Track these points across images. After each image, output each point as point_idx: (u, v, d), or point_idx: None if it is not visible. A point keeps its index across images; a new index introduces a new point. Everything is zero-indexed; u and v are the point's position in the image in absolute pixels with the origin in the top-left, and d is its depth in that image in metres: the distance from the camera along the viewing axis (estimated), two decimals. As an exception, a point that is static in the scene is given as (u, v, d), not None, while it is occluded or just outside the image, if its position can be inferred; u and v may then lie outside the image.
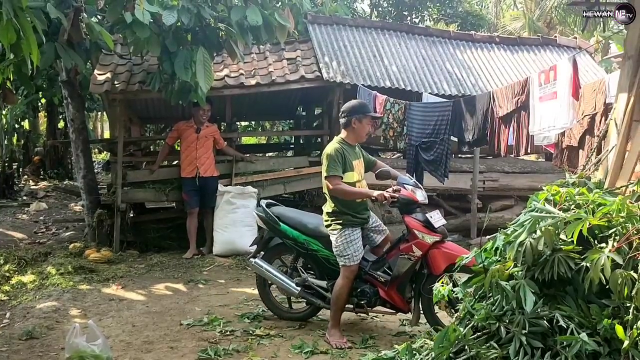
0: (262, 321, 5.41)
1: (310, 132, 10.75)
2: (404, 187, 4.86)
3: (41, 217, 11.89)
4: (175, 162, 9.86)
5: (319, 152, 10.59)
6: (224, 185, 8.36)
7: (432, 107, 7.45)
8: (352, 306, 5.06)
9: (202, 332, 5.11)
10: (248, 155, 9.25)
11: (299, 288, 5.18)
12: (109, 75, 8.12)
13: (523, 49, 10.50)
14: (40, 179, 17.14)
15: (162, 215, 9.34)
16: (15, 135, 20.27)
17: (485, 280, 3.19)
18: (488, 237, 8.49)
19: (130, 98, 8.50)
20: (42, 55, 5.93)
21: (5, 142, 16.97)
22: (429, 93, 8.62)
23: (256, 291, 6.17)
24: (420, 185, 5.08)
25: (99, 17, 7.68)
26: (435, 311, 4.80)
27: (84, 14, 5.91)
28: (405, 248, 4.81)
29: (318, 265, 5.20)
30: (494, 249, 3.41)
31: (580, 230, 2.87)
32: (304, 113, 12.83)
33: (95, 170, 13.11)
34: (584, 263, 2.91)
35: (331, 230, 4.96)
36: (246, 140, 19.32)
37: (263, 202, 5.49)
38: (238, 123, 14.62)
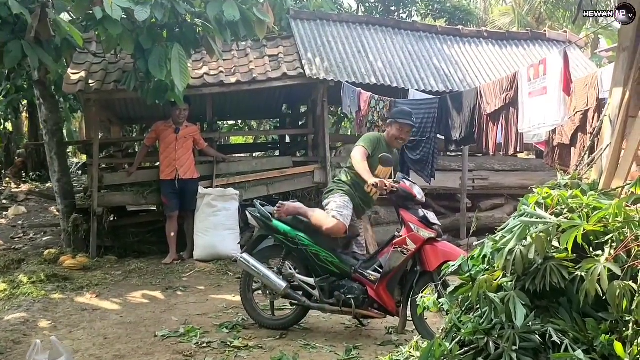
0: (241, 331, 5.16)
1: (294, 132, 10.50)
2: (404, 181, 4.87)
3: (19, 222, 11.57)
4: (156, 164, 9.63)
5: (304, 152, 10.37)
6: (205, 188, 8.11)
7: (418, 104, 7.23)
8: (337, 307, 4.93)
9: (177, 344, 4.84)
10: (230, 156, 9.01)
11: (285, 284, 5.01)
12: (83, 74, 7.85)
13: (512, 44, 10.29)
14: (22, 181, 16.83)
15: (141, 219, 9.07)
16: (-1, 137, 19.99)
17: (472, 291, 2.95)
18: (476, 239, 8.37)
19: (106, 98, 8.23)
20: (8, 53, 5.67)
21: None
22: (416, 89, 8.39)
23: (237, 298, 6.00)
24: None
25: (71, 13, 7.40)
26: (425, 316, 4.68)
27: (52, 9, 5.64)
28: (399, 242, 4.77)
29: (307, 262, 5.09)
30: (481, 256, 3.18)
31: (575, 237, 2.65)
32: (289, 112, 12.57)
33: (73, 171, 12.85)
34: (578, 272, 2.68)
35: (333, 193, 5.23)
36: (235, 139, 19.08)
37: (257, 202, 5.39)
38: (224, 123, 14.38)
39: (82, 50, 8.04)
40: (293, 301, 5.16)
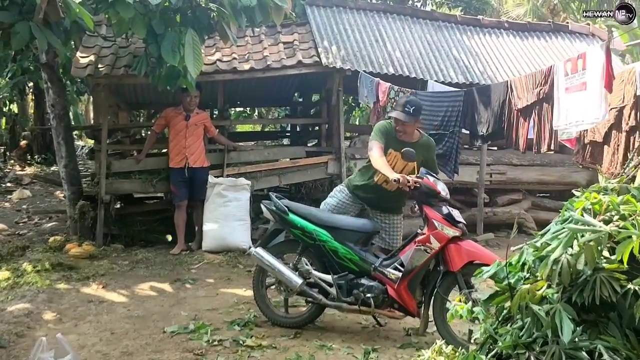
0: (253, 329, 4.99)
1: (307, 121, 10.24)
2: (427, 177, 4.71)
3: (24, 206, 11.43)
4: (164, 151, 9.42)
5: (316, 141, 10.17)
6: (215, 177, 7.91)
7: (441, 96, 6.99)
8: (356, 306, 4.76)
9: (187, 341, 4.68)
10: (241, 144, 8.81)
11: (301, 280, 4.84)
12: (92, 58, 7.63)
13: (533, 35, 10.01)
14: (27, 164, 16.72)
15: (149, 207, 8.88)
16: (4, 118, 19.82)
17: (513, 301, 2.76)
18: (493, 235, 8.13)
19: (115, 83, 8.01)
20: (15, 35, 5.45)
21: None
22: (435, 81, 8.16)
23: (248, 293, 5.84)
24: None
25: (82, -6, 7.18)
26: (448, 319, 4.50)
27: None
28: (422, 240, 4.60)
29: (325, 258, 4.93)
30: (520, 263, 2.97)
31: (629, 248, 2.44)
32: (300, 100, 12.35)
33: (79, 154, 12.68)
34: (631, 286, 2.48)
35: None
36: (240, 127, 18.86)
37: (272, 194, 5.22)
38: (231, 109, 14.16)
39: (91, 33, 7.82)
40: (308, 299, 4.99)
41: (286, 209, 5.03)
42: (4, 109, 19.24)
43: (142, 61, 7.02)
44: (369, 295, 4.71)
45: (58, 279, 6.35)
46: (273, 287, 5.15)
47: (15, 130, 18.40)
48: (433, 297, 4.64)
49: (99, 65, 7.57)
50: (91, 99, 28.07)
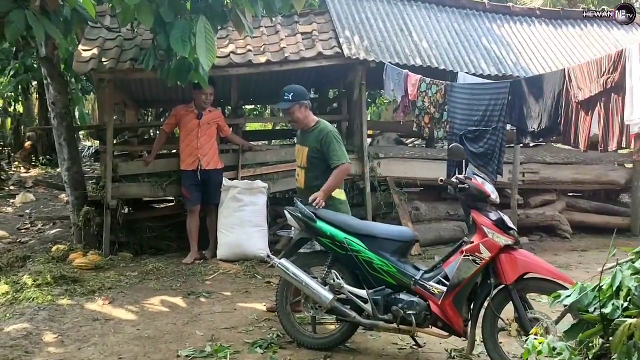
0: (277, 351, 4.51)
1: (328, 118, 9.59)
2: (475, 177, 4.25)
3: (27, 211, 11.02)
4: (173, 151, 8.94)
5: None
6: (229, 179, 7.42)
7: (481, 88, 6.44)
8: (394, 325, 4.28)
9: (204, 367, 4.20)
10: (257, 144, 8.32)
11: (331, 295, 4.36)
12: (95, 51, 7.15)
13: (567, 23, 9.42)
14: (32, 165, 16.37)
15: (158, 212, 8.40)
16: (9, 118, 19.48)
17: (614, 338, 2.24)
18: (527, 239, 7.57)
19: (121, 78, 7.52)
20: (9, 25, 4.98)
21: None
22: (466, 73, 7.62)
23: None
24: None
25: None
26: (499, 340, 4.10)
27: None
28: (470, 249, 4.10)
29: (357, 270, 4.45)
30: (614, 288, 2.46)
31: None
32: (316, 95, 11.83)
33: (83, 155, 12.25)
34: None
35: None
36: (251, 126, 18.33)
37: (297, 199, 4.80)
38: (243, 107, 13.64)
39: (94, 24, 7.35)
40: (339, 316, 4.49)
41: (313, 215, 4.58)
42: (9, 109, 18.89)
43: (149, 54, 6.57)
44: (409, 312, 4.22)
45: (60, 293, 5.88)
46: (299, 303, 4.68)
47: (19, 130, 18.08)
48: (482, 315, 4.17)
49: (103, 59, 7.08)
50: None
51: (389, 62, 7.51)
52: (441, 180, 4.27)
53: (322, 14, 8.51)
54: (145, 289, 6.16)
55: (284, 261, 4.62)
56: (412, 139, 12.34)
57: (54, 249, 7.33)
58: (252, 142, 8.51)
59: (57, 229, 9.10)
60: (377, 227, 4.65)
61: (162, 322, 5.19)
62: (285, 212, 4.81)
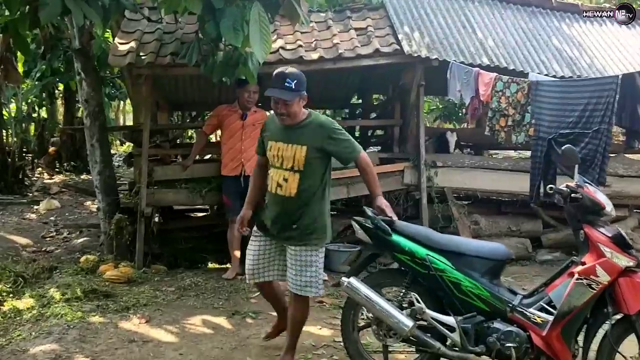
0: (344, 385, 3.91)
1: (381, 122, 8.95)
2: (587, 186, 3.69)
3: (52, 218, 10.59)
4: (207, 157, 8.43)
5: (379, 147, 9.17)
6: (275, 186, 6.86)
7: (579, 85, 5.82)
8: (488, 358, 3.74)
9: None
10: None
11: (411, 322, 3.77)
12: (133, 44, 6.64)
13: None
14: (56, 172, 16.10)
15: (195, 221, 7.86)
16: (33, 123, 19.25)
17: None
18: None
19: (159, 74, 7.00)
20: (44, 7, 4.48)
21: (17, 130, 15.68)
22: (537, 74, 6.99)
23: (326, 332, 4.82)
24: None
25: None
26: None
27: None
28: (584, 271, 3.53)
29: (442, 293, 3.86)
30: None
31: None
32: (359, 101, 11.26)
33: (115, 164, 11.86)
34: None
35: (315, 239, 4.09)
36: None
37: (367, 209, 4.13)
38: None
39: (134, 14, 6.86)
40: (419, 346, 3.90)
41: (388, 227, 3.97)
42: (33, 114, 18.65)
43: (193, 47, 6.05)
44: (507, 344, 3.63)
45: (92, 309, 5.35)
46: (368, 328, 4.12)
47: (43, 136, 17.85)
48: (598, 349, 3.58)
49: (141, 53, 6.58)
50: (121, 105, 27.68)
51: (454, 60, 6.90)
52: (550, 188, 3.70)
53: (376, 10, 7.92)
54: (184, 307, 5.61)
55: (354, 280, 4.03)
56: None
57: (82, 259, 6.83)
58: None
59: (85, 238, 8.62)
60: (464, 242, 4.07)
61: (206, 345, 4.64)
62: (354, 223, 4.22)
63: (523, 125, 6.16)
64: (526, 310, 3.68)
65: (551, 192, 3.72)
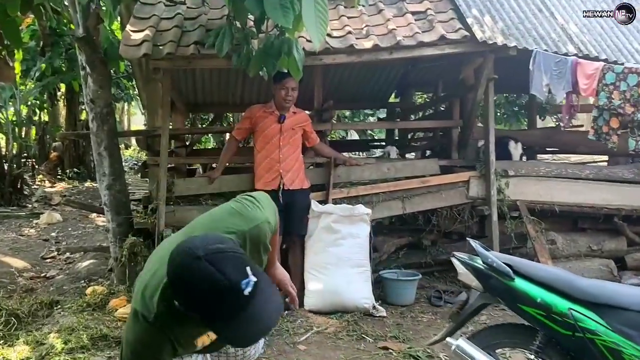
0: None
1: (440, 124, 7.79)
2: None
3: (53, 233, 9.62)
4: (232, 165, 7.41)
5: (429, 152, 8.15)
6: (320, 203, 5.83)
7: None
8: None
9: None
10: (354, 157, 6.76)
11: None
12: (148, 32, 5.61)
13: None
14: (58, 179, 15.25)
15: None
16: (33, 127, 18.43)
17: None
18: None
19: (181, 67, 5.97)
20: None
21: (15, 134, 14.79)
22: (634, 64, 5.92)
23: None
24: None
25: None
26: None
27: None
28: None
29: None
30: None
31: None
32: (396, 100, 10.21)
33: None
34: None
35: None
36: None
37: (475, 242, 3.17)
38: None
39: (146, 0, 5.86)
40: None
41: (509, 269, 2.96)
42: (33, 118, 17.81)
43: (224, 34, 5.04)
44: None
45: (101, 363, 4.32)
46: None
47: (44, 140, 17.08)
48: None
49: (159, 43, 5.54)
50: (126, 107, 26.72)
51: (536, 49, 5.82)
52: None
53: (435, -10, 6.86)
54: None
55: (463, 343, 3.01)
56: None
57: (89, 291, 5.82)
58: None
59: (91, 260, 7.57)
60: (622, 291, 2.99)
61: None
62: (455, 261, 3.21)
63: (644, 127, 5.13)
64: None
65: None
